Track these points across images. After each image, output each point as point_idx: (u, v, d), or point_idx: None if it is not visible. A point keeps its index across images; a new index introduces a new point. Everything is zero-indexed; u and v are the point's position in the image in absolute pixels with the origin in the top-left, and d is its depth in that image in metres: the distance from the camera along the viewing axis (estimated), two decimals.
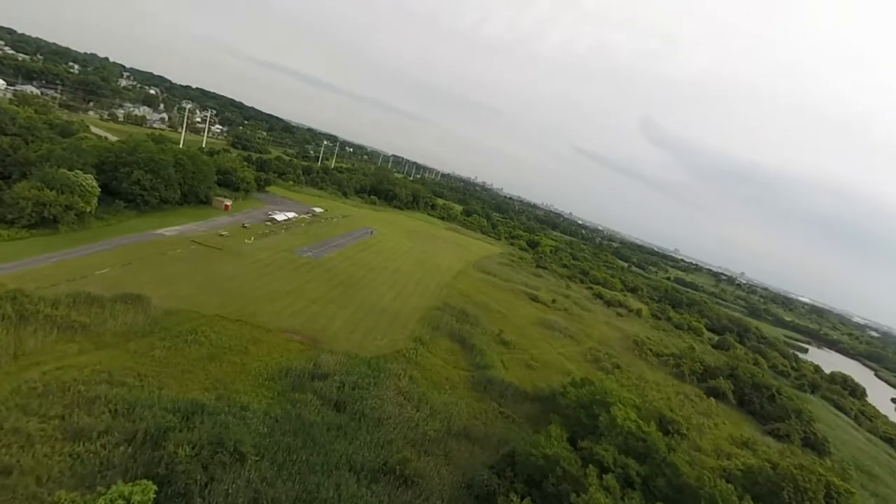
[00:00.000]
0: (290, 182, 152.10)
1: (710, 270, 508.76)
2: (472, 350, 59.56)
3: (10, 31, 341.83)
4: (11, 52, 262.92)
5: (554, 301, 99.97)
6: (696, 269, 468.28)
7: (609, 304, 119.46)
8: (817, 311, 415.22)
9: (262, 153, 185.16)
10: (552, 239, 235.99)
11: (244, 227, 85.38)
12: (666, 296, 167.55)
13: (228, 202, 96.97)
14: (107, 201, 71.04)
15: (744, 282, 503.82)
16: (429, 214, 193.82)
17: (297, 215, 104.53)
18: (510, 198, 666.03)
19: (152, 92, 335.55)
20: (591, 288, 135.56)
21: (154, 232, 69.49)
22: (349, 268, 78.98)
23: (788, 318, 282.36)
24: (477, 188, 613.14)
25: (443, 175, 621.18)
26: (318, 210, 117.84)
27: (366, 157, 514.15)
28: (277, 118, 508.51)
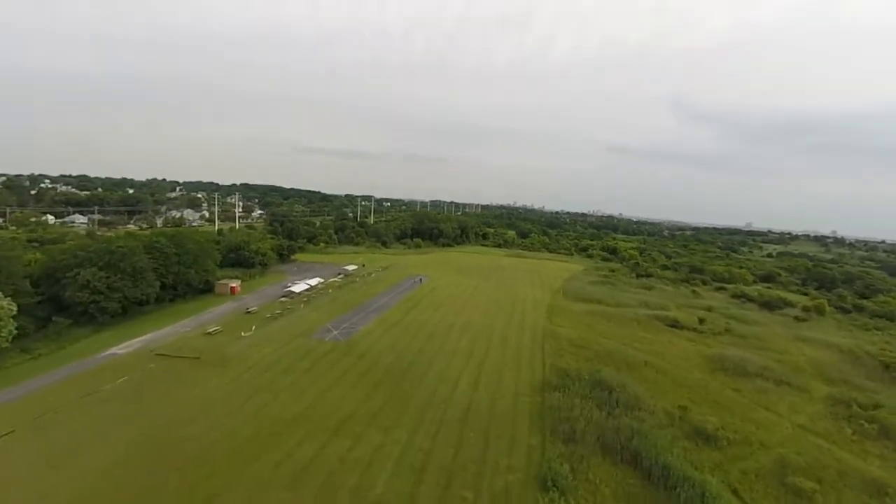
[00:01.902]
0: (322, 244, 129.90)
1: (805, 236, 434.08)
2: (663, 477, 27.59)
3: (82, 177, 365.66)
4: (74, 190, 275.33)
5: (702, 322, 65.16)
6: (790, 238, 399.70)
7: (766, 306, 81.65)
8: None
9: (293, 221, 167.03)
10: (626, 241, 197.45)
11: (248, 312, 60.11)
12: (810, 276, 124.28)
13: (236, 283, 73.30)
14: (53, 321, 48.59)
15: (852, 240, 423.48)
16: (482, 245, 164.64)
17: (322, 281, 78.93)
18: (556, 213, 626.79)
19: (199, 196, 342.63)
20: (722, 289, 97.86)
21: (105, 353, 45.07)
22: (395, 342, 50.35)
23: None
24: (520, 211, 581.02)
25: (483, 207, 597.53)
26: (350, 268, 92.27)
27: (404, 207, 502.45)
28: (315, 192, 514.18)
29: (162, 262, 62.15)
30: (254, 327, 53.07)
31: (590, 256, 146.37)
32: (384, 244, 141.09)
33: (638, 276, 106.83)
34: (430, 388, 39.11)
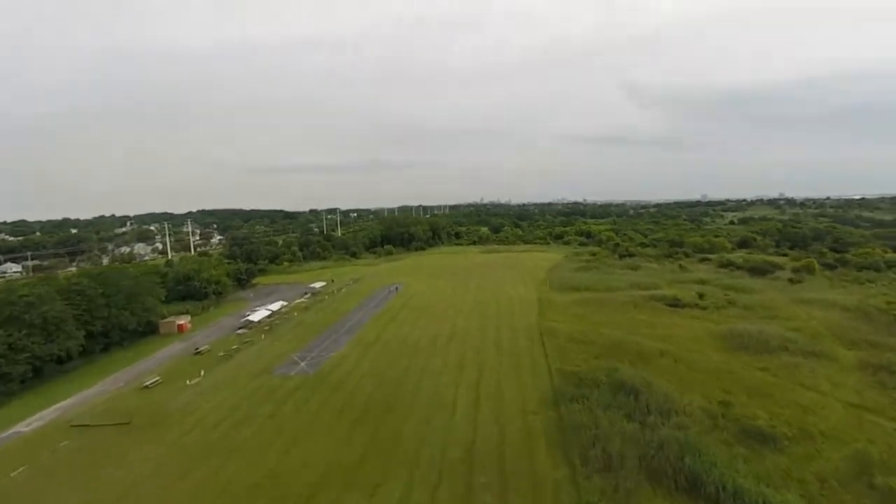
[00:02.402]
0: (286, 263, 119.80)
1: (759, 200, 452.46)
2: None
3: (18, 222, 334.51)
4: (4, 237, 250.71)
5: (702, 297, 60.62)
6: (747, 204, 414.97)
7: (755, 272, 78.66)
8: None
9: (253, 243, 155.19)
10: (598, 224, 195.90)
11: (197, 352, 50.79)
12: (783, 237, 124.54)
13: (184, 320, 63.45)
14: None
15: (800, 200, 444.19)
16: (456, 245, 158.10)
17: (285, 304, 69.93)
18: (523, 205, 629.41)
19: (152, 228, 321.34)
20: (706, 260, 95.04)
21: (5, 434, 35.25)
22: (374, 366, 42.59)
23: None
24: (488, 207, 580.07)
25: (451, 207, 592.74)
26: (317, 286, 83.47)
27: (371, 216, 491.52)
28: (277, 211, 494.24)
29: (85, 307, 51.97)
30: (202, 371, 44.07)
31: (566, 243, 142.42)
32: (353, 255, 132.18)
33: (620, 256, 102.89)
34: (421, 420, 31.75)
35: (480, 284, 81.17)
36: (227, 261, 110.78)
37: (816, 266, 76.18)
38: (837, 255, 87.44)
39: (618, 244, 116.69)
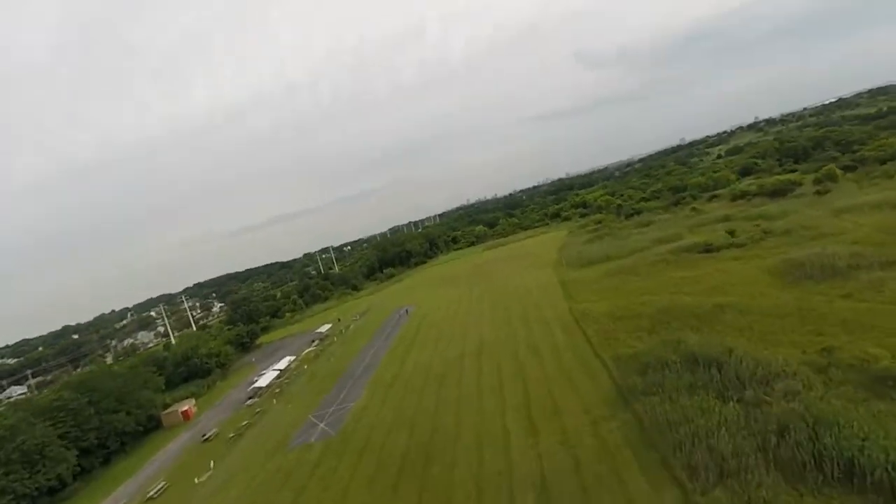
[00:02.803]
0: (288, 314, 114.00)
1: (739, 128, 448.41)
2: None
3: (18, 343, 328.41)
4: (10, 361, 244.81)
5: (733, 234, 54.92)
6: (728, 135, 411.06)
7: (776, 194, 73.06)
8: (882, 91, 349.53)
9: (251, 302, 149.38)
10: (591, 193, 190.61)
11: (205, 440, 44.83)
12: (782, 153, 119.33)
13: (188, 404, 57.51)
14: None
15: (778, 117, 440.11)
16: (455, 251, 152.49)
17: (293, 359, 64.03)
18: (509, 195, 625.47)
19: (152, 314, 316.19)
20: (715, 197, 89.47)
21: None
22: (401, 409, 36.53)
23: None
24: (475, 206, 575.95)
25: (440, 216, 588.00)
26: (324, 329, 77.60)
27: (364, 245, 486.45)
28: (272, 264, 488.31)
29: (73, 422, 46.06)
30: (212, 463, 38.07)
31: (566, 219, 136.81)
32: (355, 288, 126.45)
33: (626, 216, 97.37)
34: (472, 465, 25.80)
35: (493, 283, 75.33)
36: (227, 328, 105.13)
37: (837, 172, 70.54)
38: (853, 156, 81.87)
39: (619, 205, 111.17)
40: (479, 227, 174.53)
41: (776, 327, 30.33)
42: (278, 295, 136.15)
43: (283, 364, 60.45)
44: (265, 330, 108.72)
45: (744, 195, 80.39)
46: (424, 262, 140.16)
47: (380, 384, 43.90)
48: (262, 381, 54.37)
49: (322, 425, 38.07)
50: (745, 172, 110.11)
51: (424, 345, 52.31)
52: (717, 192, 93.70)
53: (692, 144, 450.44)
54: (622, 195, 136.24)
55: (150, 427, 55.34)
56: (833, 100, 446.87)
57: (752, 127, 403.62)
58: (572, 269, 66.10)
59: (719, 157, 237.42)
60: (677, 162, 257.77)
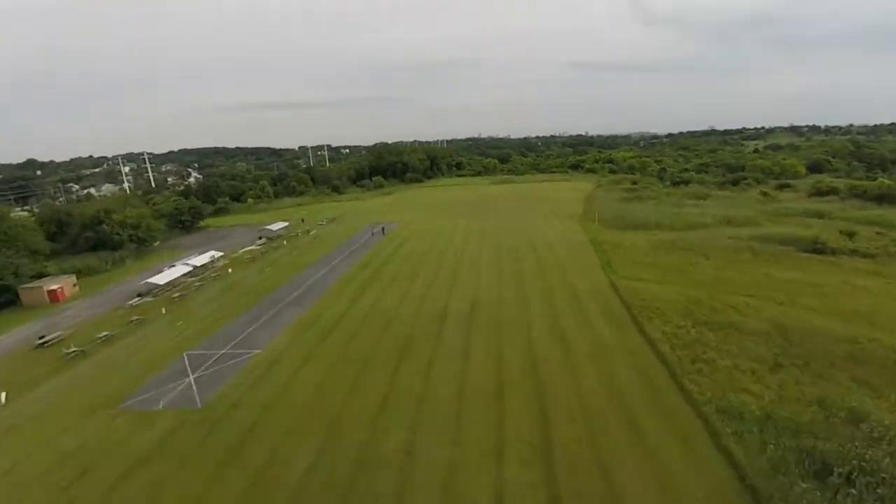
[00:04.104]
0: (250, 201, 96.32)
1: (779, 128, 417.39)
2: None
3: None
4: None
5: (852, 237, 38.68)
6: (766, 131, 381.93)
7: (882, 199, 56.13)
8: None
9: (212, 177, 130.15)
10: (622, 153, 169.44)
11: (41, 343, 29.50)
12: (856, 158, 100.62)
13: (63, 283, 41.58)
14: None
15: (823, 125, 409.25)
16: (458, 177, 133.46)
17: (218, 256, 47.70)
18: (524, 139, 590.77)
19: (126, 169, 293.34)
20: (786, 186, 72.11)
21: None
22: (322, 397, 20.81)
23: None
24: (487, 141, 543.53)
25: (448, 142, 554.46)
26: (277, 227, 60.84)
27: (364, 153, 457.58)
28: (264, 148, 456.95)
29: None
30: (4, 396, 22.94)
31: (591, 171, 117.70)
32: (336, 190, 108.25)
33: (674, 183, 79.77)
34: None
35: (501, 222, 58.74)
36: (174, 198, 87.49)
37: None
38: None
39: (664, 169, 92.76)
40: (489, 160, 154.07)
41: None
42: (246, 177, 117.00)
43: (202, 259, 44.37)
44: (220, 212, 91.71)
45: (829, 192, 63.21)
46: (421, 181, 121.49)
47: (311, 327, 28.44)
48: (163, 277, 38.42)
49: (191, 379, 22.75)
50: (814, 168, 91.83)
51: (393, 282, 36.50)
52: (787, 181, 76.11)
53: (726, 133, 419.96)
54: (659, 161, 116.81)
55: (7, 302, 39.84)
56: (886, 122, 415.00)
57: (795, 130, 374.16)
58: (607, 229, 49.75)
59: (756, 150, 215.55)
60: (709, 148, 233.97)
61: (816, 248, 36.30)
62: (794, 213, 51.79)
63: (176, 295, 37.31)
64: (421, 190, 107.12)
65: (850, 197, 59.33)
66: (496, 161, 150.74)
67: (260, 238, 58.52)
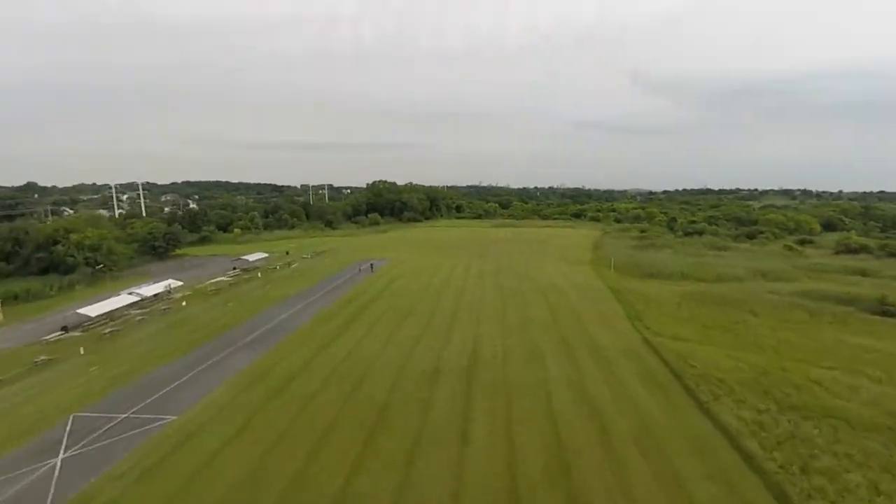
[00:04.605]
0: (237, 231, 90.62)
1: (770, 191, 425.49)
2: None
3: None
4: None
5: None
6: (759, 193, 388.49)
7: None
8: None
9: (200, 204, 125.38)
10: (625, 204, 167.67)
11: None
12: (866, 218, 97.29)
13: None
14: None
15: (814, 190, 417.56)
16: (458, 219, 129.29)
17: (174, 286, 40.85)
18: (524, 188, 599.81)
19: (124, 196, 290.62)
20: (807, 242, 67.22)
21: None
22: (269, 464, 14.10)
23: None
24: (488, 189, 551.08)
25: (448, 188, 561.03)
26: (254, 258, 54.36)
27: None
28: (266, 184, 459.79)
29: None
30: None
31: (595, 219, 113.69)
32: (329, 225, 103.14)
33: (685, 233, 74.96)
34: None
35: (504, 264, 52.72)
36: (152, 223, 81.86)
37: None
38: None
39: (674, 219, 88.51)
40: (490, 203, 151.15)
41: None
42: (236, 207, 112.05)
43: (154, 289, 37.58)
44: (204, 241, 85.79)
45: (861, 249, 58.14)
46: (419, 221, 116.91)
47: (259, 382, 21.38)
48: (97, 308, 31.47)
49: (59, 460, 15.46)
50: (828, 226, 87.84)
51: (375, 326, 29.73)
52: (806, 237, 71.46)
53: (721, 192, 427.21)
54: (665, 212, 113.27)
55: None
56: (876, 191, 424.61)
57: (787, 193, 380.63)
58: (624, 276, 43.68)
59: (764, 207, 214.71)
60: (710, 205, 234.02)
61: (885, 309, 30.15)
62: (831, 269, 46.23)
63: (107, 331, 30.23)
64: (418, 229, 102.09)
65: (885, 256, 54.11)
66: (497, 205, 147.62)
67: (235, 268, 52.02)
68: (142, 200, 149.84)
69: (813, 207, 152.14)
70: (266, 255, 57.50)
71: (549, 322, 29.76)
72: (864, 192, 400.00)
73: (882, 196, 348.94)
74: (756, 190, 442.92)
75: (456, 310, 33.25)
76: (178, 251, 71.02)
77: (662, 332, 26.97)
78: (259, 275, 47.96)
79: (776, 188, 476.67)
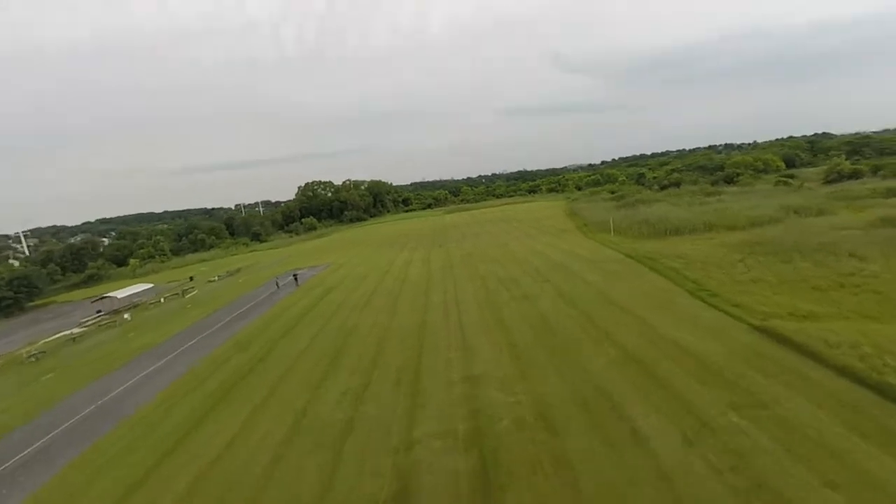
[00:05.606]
0: (134, 262, 71.87)
1: (698, 149, 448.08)
2: None
3: None
4: None
5: None
6: (688, 152, 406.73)
7: None
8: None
9: (90, 241, 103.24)
10: (576, 174, 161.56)
11: None
12: (817, 150, 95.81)
13: None
14: None
15: (738, 143, 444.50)
16: (407, 212, 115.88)
17: None
18: (468, 178, 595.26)
19: (28, 244, 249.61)
20: (789, 177, 60.91)
21: None
22: None
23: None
24: (433, 183, 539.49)
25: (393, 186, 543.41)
26: (128, 294, 38.31)
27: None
28: (195, 210, 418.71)
29: None
30: None
31: (553, 190, 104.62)
32: (257, 238, 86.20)
33: (662, 187, 66.72)
34: None
35: (475, 247, 40.43)
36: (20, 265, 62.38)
37: None
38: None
39: (642, 174, 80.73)
40: (440, 191, 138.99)
41: None
42: (137, 237, 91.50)
43: None
44: (91, 280, 66.75)
45: (854, 175, 51.92)
46: (363, 220, 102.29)
47: None
48: None
49: None
50: (789, 163, 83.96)
51: (271, 398, 16.30)
52: (786, 172, 65.60)
53: (653, 156, 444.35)
54: (602, 183, 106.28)
55: None
56: (785, 137, 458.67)
57: (713, 149, 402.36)
58: (636, 239, 32.89)
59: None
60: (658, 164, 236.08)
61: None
62: (860, 195, 38.47)
63: None
64: (363, 228, 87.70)
65: (890, 176, 47.91)
66: (447, 192, 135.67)
67: (99, 311, 35.87)
68: (24, 245, 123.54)
69: (771, 145, 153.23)
70: (149, 286, 41.30)
71: (585, 323, 17.78)
72: (777, 139, 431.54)
73: (790, 140, 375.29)
74: (684, 149, 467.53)
75: (422, 324, 20.45)
76: (40, 300, 52.63)
77: (771, 311, 15.83)
78: (126, 317, 32.25)
79: (703, 146, 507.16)
